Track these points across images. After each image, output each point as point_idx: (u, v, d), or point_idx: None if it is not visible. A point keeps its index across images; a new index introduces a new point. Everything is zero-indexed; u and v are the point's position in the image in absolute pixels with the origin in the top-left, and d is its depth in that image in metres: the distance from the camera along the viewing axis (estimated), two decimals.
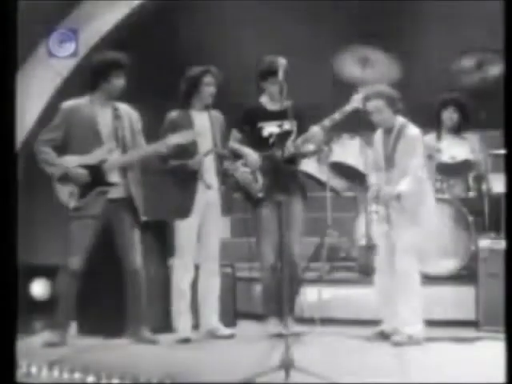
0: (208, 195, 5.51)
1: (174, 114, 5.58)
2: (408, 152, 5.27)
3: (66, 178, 5.32)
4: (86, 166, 5.32)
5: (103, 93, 5.43)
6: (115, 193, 5.37)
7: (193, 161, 5.42)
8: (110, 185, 5.35)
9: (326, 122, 5.51)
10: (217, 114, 5.65)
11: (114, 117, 5.42)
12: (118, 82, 5.41)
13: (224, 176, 5.59)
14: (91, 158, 5.34)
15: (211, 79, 5.52)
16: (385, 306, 5.39)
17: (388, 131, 5.37)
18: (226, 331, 5.56)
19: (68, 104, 5.46)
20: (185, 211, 5.43)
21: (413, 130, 5.36)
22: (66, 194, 5.33)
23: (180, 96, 5.58)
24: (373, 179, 5.49)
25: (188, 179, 5.46)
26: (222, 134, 5.63)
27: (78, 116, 5.39)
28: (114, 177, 5.37)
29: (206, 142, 5.52)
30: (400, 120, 5.37)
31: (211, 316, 5.57)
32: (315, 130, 5.50)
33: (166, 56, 7.30)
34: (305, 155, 5.73)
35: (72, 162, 5.33)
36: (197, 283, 5.57)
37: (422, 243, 5.40)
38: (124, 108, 5.51)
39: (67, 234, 5.32)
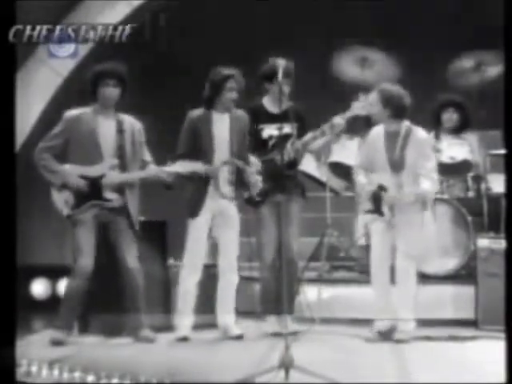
0: (222, 200, 5.47)
1: (195, 114, 5.49)
2: (421, 155, 5.26)
3: (63, 185, 5.34)
4: (85, 178, 5.33)
5: (100, 102, 5.42)
6: (111, 204, 5.39)
7: (209, 169, 5.35)
8: (105, 200, 5.37)
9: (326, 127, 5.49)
10: (241, 114, 5.54)
11: (117, 131, 5.42)
12: (110, 91, 5.38)
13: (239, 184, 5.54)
14: (91, 171, 5.35)
15: (234, 84, 5.40)
16: (381, 303, 5.39)
17: (393, 134, 5.32)
18: (236, 331, 5.46)
19: (71, 113, 5.45)
20: (194, 211, 5.40)
21: (423, 134, 5.35)
22: (61, 201, 5.35)
23: (203, 98, 5.47)
24: (361, 179, 5.44)
25: (200, 182, 5.40)
26: (244, 134, 5.53)
27: (79, 126, 5.38)
28: (110, 193, 5.39)
29: (223, 147, 5.46)
30: (406, 123, 5.33)
31: (227, 315, 5.50)
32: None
33: (166, 56, 7.30)
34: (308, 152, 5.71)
35: (72, 171, 5.34)
36: (203, 284, 5.50)
37: (424, 246, 5.41)
38: (128, 120, 5.50)
39: (73, 237, 5.34)
